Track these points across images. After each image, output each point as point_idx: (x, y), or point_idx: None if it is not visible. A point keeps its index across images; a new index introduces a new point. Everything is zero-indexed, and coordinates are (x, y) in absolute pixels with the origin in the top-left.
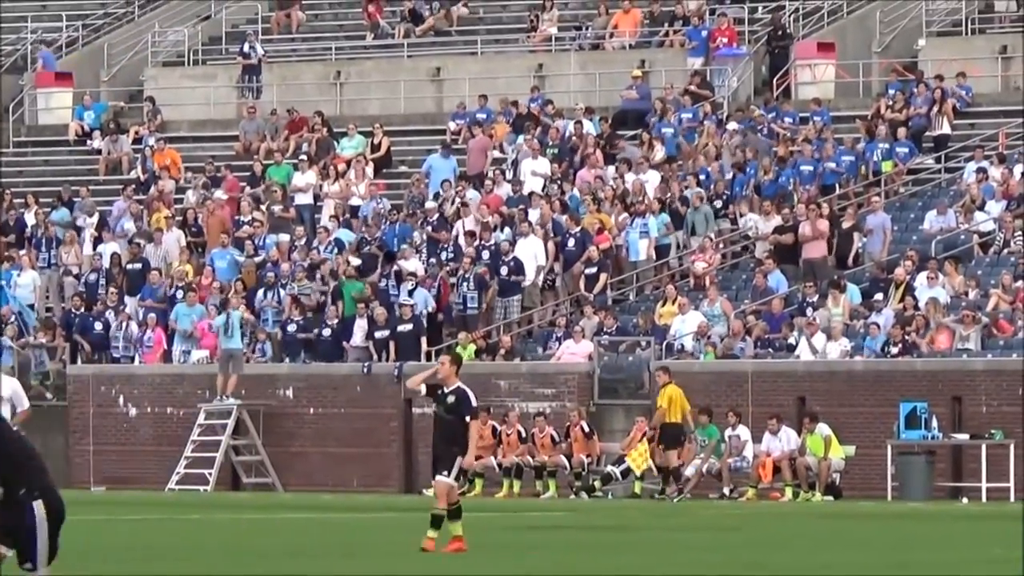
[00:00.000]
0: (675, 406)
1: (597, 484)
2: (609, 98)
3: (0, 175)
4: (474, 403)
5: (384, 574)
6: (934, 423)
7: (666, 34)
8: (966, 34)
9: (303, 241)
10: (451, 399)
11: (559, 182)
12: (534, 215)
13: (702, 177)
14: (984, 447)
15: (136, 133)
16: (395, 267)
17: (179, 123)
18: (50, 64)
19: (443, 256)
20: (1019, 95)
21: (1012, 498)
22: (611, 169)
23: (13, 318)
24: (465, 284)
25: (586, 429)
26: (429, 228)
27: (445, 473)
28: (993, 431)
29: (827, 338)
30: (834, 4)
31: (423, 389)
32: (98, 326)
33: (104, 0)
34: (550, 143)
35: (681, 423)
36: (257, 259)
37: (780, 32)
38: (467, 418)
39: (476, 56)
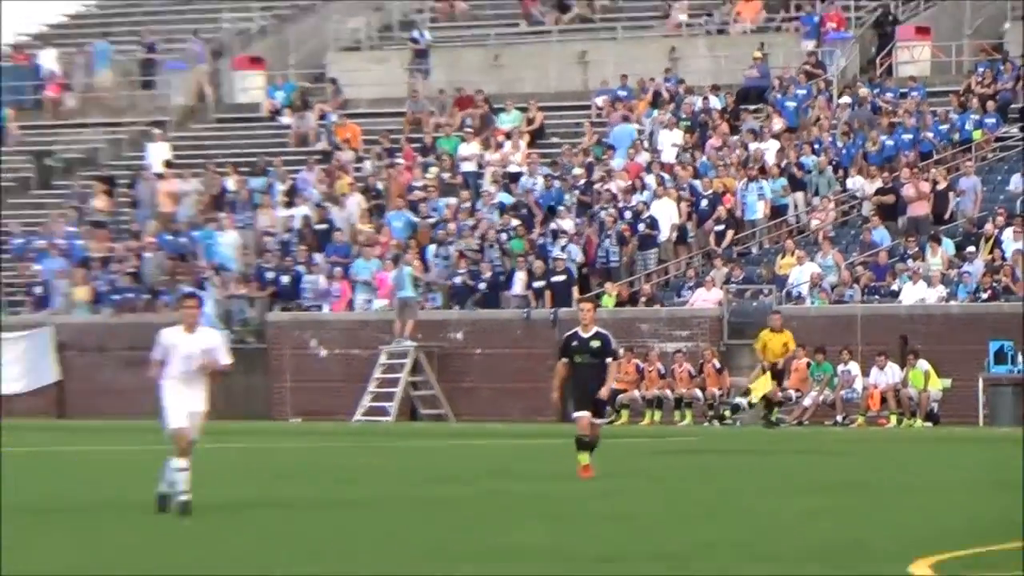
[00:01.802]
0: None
1: (727, 413)
2: (733, 76)
3: (204, 148)
4: (614, 345)
5: (540, 493)
6: (1019, 359)
7: (783, 20)
8: None
9: (468, 204)
10: (596, 344)
11: (691, 151)
12: (669, 180)
13: (816, 146)
14: None
15: (320, 110)
16: (552, 225)
17: (357, 101)
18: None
19: (602, 214)
20: None
21: None
22: (735, 139)
23: (208, 273)
24: (608, 240)
25: (717, 366)
26: (578, 192)
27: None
28: None
29: (927, 285)
30: None
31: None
32: (285, 279)
33: None
34: (683, 116)
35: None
36: (431, 220)
37: (890, 17)
38: (609, 360)
39: (616, 41)
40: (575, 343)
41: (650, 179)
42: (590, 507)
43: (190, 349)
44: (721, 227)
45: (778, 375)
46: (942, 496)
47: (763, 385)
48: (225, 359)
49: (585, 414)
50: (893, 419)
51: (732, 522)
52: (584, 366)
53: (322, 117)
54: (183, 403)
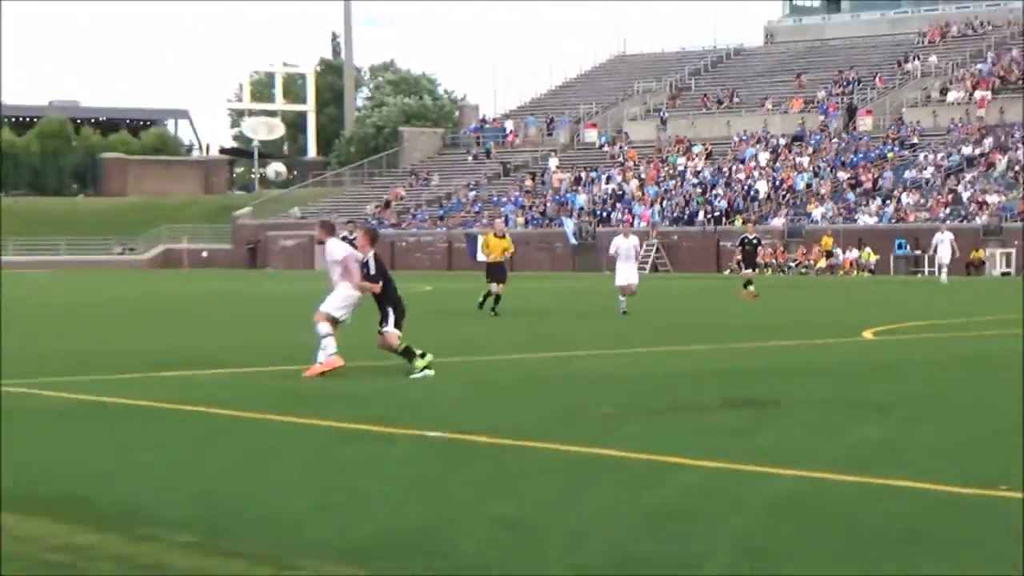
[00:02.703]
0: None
1: (785, 270)
2: (790, 130)
3: (573, 159)
4: (762, 241)
5: (712, 304)
6: (907, 247)
7: (811, 108)
8: (923, 107)
9: (680, 183)
10: (755, 241)
11: (772, 162)
12: (764, 172)
13: (825, 159)
14: (926, 255)
15: (619, 144)
16: (713, 191)
17: (635, 141)
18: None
19: (735, 187)
20: (951, 126)
21: (937, 274)
22: (791, 156)
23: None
24: (738, 198)
25: (782, 249)
26: (726, 177)
27: (750, 274)
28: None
29: (869, 216)
30: (872, 96)
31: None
32: (603, 213)
33: (615, 88)
34: (770, 147)
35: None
36: (664, 188)
37: (854, 106)
38: (759, 248)
39: (742, 115)
40: (746, 240)
41: (756, 172)
42: (736, 301)
43: (627, 245)
44: (784, 192)
45: (829, 256)
46: (878, 302)
47: (822, 261)
48: (639, 251)
49: (750, 272)
50: (855, 273)
51: (778, 315)
52: (748, 251)
53: (620, 148)
54: (625, 273)
